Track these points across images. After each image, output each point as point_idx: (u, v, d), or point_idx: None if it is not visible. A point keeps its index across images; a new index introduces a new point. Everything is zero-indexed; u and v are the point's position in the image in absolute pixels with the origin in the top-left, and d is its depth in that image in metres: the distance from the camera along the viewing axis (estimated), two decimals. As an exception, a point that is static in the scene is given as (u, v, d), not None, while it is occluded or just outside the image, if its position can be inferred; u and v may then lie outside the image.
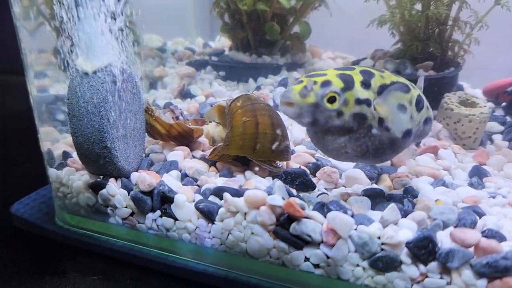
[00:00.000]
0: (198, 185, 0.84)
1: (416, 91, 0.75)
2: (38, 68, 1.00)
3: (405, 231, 0.67)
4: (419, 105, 0.75)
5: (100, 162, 0.83)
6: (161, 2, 1.41)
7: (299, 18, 1.33)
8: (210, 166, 0.90)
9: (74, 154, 0.95)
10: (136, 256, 0.85)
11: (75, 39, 0.83)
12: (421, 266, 0.65)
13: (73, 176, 0.90)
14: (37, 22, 0.98)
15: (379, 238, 0.67)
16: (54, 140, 1.04)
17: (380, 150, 0.72)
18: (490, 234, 0.66)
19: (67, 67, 0.86)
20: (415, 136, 0.77)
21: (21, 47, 0.95)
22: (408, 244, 0.65)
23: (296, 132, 1.03)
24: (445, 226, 0.69)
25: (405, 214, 0.72)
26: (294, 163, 0.90)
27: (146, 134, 0.95)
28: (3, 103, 1.87)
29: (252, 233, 0.74)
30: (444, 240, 0.66)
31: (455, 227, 0.69)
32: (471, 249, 0.64)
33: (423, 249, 0.64)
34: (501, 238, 0.66)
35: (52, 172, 0.93)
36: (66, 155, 0.97)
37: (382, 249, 0.67)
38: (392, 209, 0.69)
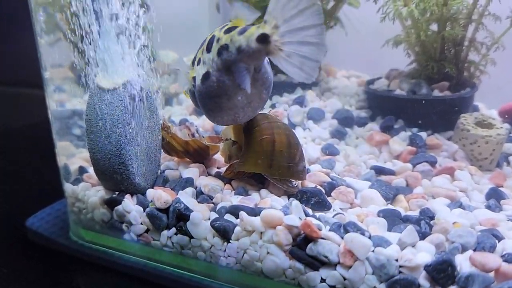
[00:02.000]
0: (213, 203, 0.84)
1: (213, 34, 0.78)
2: (56, 83, 1.01)
3: (423, 254, 0.66)
4: (209, 48, 0.77)
5: (117, 178, 0.84)
6: (176, 18, 1.42)
7: (315, 37, 1.33)
8: (225, 184, 0.90)
9: (90, 169, 0.95)
10: (151, 273, 0.85)
11: (95, 56, 0.84)
12: (440, 290, 0.65)
13: (89, 192, 0.90)
14: (55, 37, 1.00)
15: (396, 260, 0.66)
16: (70, 154, 1.05)
17: (202, 102, 0.82)
18: (510, 258, 0.65)
19: (85, 83, 0.87)
20: (219, 71, 0.76)
21: (41, 62, 0.96)
22: (426, 268, 0.64)
23: (311, 150, 1.03)
24: (463, 249, 0.68)
25: (422, 236, 0.71)
26: (309, 182, 0.89)
27: (162, 150, 0.96)
28: (17, 115, 1.89)
29: (268, 252, 0.73)
30: (463, 263, 0.65)
31: (474, 250, 0.68)
32: (492, 274, 0.63)
33: (442, 272, 0.63)
34: (521, 263, 0.65)
35: (68, 187, 0.94)
36: (82, 170, 0.98)
37: (400, 272, 0.66)
38: (410, 231, 0.69)
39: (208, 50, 0.77)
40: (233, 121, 0.83)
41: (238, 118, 0.81)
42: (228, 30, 0.74)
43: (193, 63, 0.83)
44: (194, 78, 0.82)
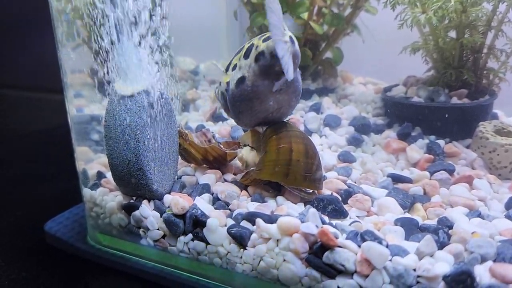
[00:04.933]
0: (230, 209, 0.85)
1: (252, 42, 0.85)
2: (75, 88, 1.02)
3: (441, 264, 0.65)
4: (247, 54, 0.84)
5: (134, 184, 0.85)
6: (194, 25, 1.43)
7: (332, 44, 1.33)
8: (241, 190, 0.90)
9: (108, 174, 0.96)
10: (167, 279, 0.85)
11: (114, 63, 0.85)
12: (458, 301, 0.64)
13: (107, 197, 0.91)
14: (75, 43, 1.01)
15: (414, 270, 0.66)
16: (88, 159, 1.06)
17: (233, 105, 0.87)
18: (530, 270, 0.64)
19: (104, 88, 0.88)
20: (255, 75, 0.82)
21: (61, 67, 0.97)
22: (445, 278, 0.63)
23: (327, 157, 1.03)
24: (483, 260, 0.67)
25: (441, 246, 0.70)
26: (325, 189, 0.89)
27: (179, 156, 0.96)
28: (36, 119, 1.92)
29: (284, 260, 0.73)
30: (482, 275, 0.64)
31: (494, 261, 0.67)
32: None
33: (461, 283, 0.63)
34: (542, 275, 0.64)
35: (86, 192, 0.95)
36: (100, 175, 0.99)
37: (417, 282, 0.65)
38: (428, 240, 0.68)
39: (246, 56, 0.84)
40: (261, 124, 0.90)
41: (266, 121, 0.88)
42: (267, 39, 0.81)
43: (227, 69, 0.89)
44: (227, 83, 0.87)
